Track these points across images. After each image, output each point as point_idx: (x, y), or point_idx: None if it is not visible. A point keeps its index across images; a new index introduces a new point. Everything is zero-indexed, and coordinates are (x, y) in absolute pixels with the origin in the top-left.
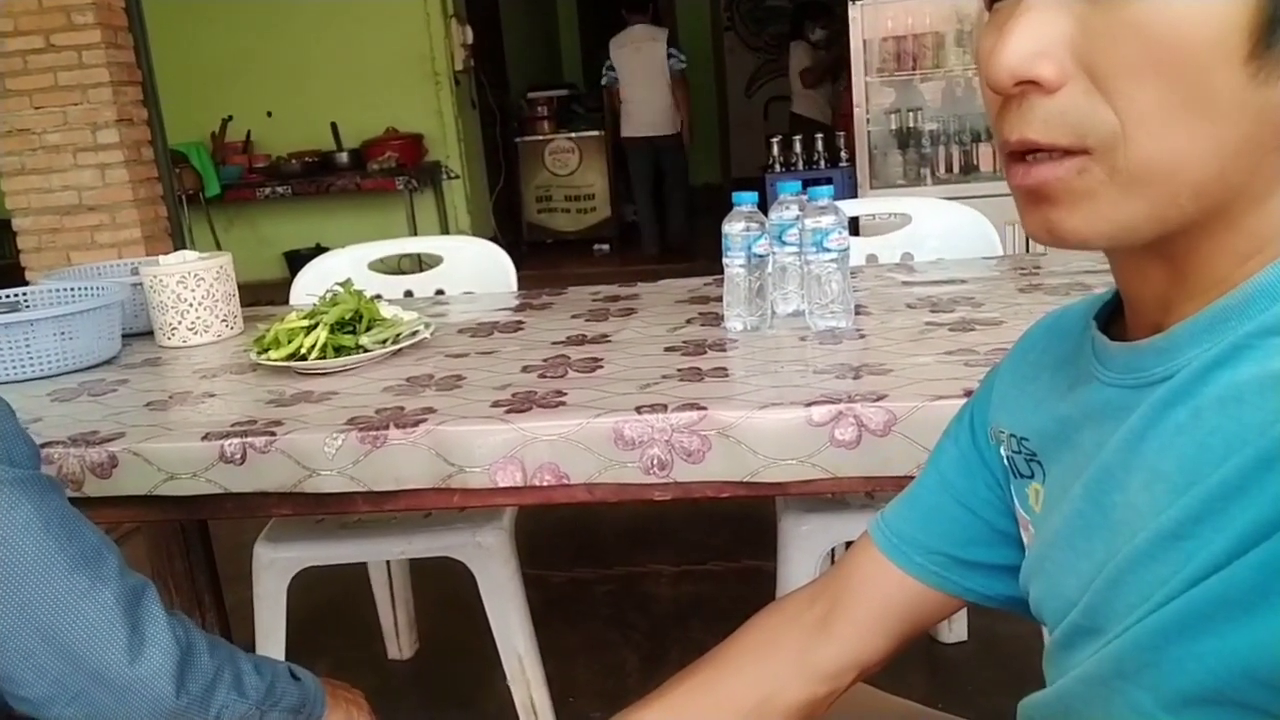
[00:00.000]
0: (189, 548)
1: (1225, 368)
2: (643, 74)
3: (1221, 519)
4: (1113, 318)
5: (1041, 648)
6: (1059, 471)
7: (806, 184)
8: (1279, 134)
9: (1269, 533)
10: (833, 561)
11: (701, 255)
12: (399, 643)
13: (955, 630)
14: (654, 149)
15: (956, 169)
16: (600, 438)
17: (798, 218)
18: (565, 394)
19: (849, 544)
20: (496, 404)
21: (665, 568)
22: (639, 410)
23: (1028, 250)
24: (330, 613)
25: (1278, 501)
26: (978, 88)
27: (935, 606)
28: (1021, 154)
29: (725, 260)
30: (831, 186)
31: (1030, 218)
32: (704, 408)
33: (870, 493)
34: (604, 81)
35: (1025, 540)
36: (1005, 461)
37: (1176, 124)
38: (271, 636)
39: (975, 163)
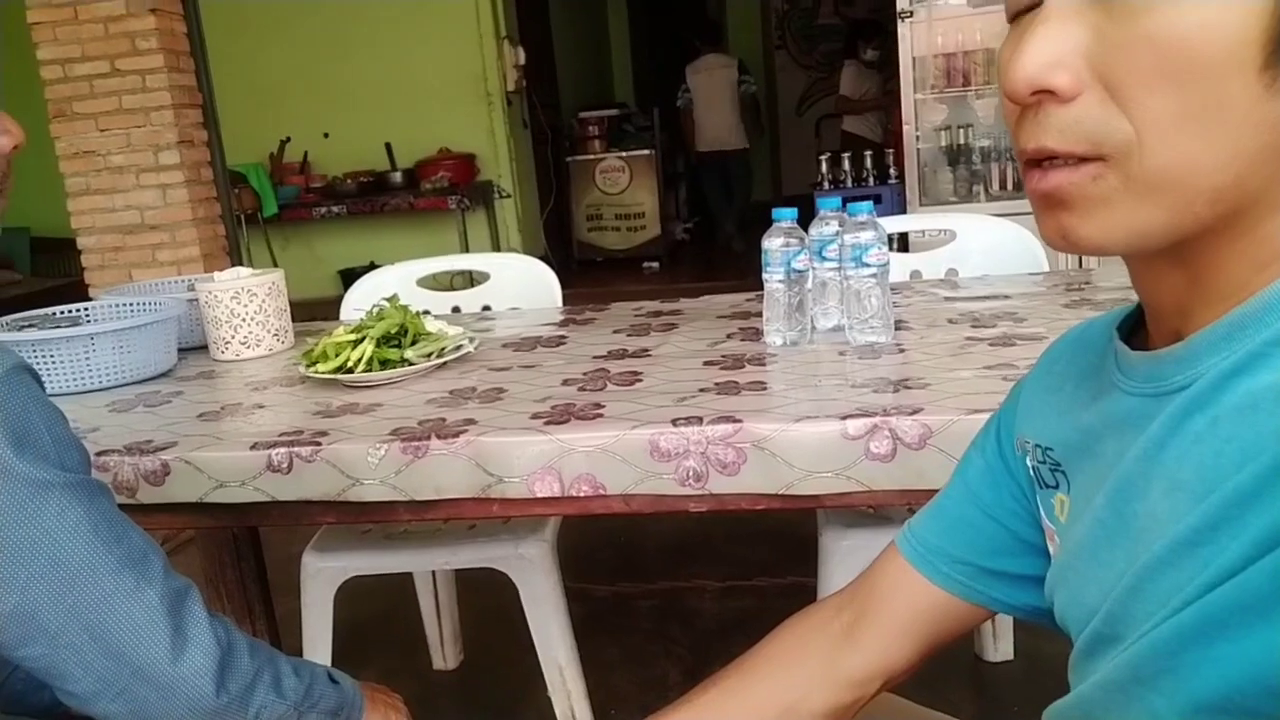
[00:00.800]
0: (240, 557)
1: (1243, 376)
2: (717, 97)
3: (1237, 526)
4: (1136, 328)
5: None
6: (1083, 481)
7: (851, 200)
8: None
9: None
10: None
11: (751, 273)
12: (444, 653)
13: (1001, 649)
14: (725, 161)
15: (1010, 185)
16: (636, 449)
17: (837, 233)
18: (603, 406)
19: None
20: (536, 415)
21: (709, 583)
22: (675, 423)
23: (1080, 265)
24: (377, 623)
25: None
26: None
27: (961, 616)
28: (1038, 161)
29: (765, 275)
30: (870, 202)
31: (1045, 222)
32: (739, 420)
33: (911, 507)
34: (679, 103)
35: (1051, 550)
36: (1031, 472)
37: (1191, 133)
38: (318, 645)
39: None
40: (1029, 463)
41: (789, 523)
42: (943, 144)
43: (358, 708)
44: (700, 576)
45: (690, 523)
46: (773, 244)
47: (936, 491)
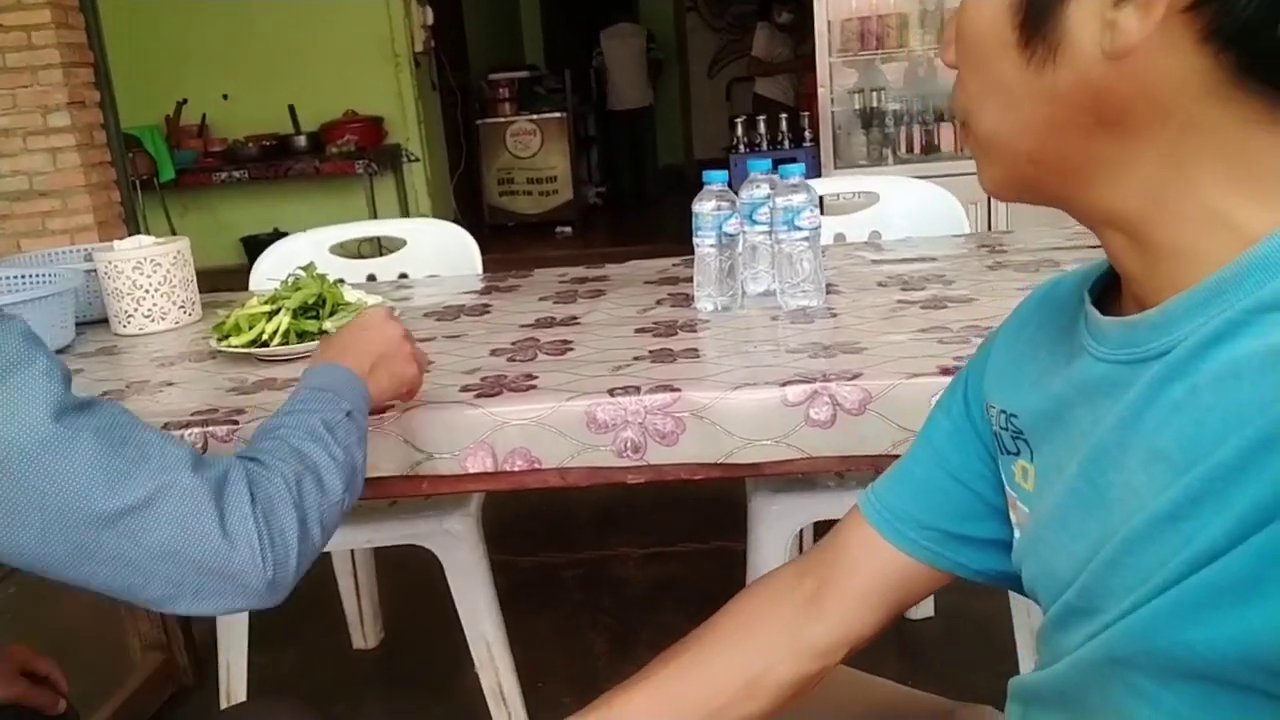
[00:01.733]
0: None
1: (1223, 343)
2: (628, 61)
3: (1220, 500)
4: (1107, 291)
5: (1009, 623)
6: (1052, 449)
7: (776, 163)
8: (1087, 112)
9: (1269, 517)
10: (801, 542)
11: (664, 237)
12: (364, 632)
13: (923, 607)
14: (634, 120)
15: (918, 149)
16: (573, 421)
17: (769, 196)
18: (536, 377)
19: (817, 525)
20: (466, 389)
21: (634, 550)
22: (612, 393)
23: (990, 229)
24: (292, 602)
25: (1277, 484)
26: (939, 68)
27: (926, 581)
28: None
29: (696, 240)
30: (802, 165)
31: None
32: (677, 389)
33: (840, 473)
34: (595, 65)
35: (1013, 518)
36: (995, 437)
37: (989, 107)
38: (233, 629)
39: (937, 142)
40: (994, 427)
41: (714, 488)
42: (856, 107)
43: (366, 404)
44: (625, 544)
45: (614, 490)
46: (704, 208)
47: (877, 457)
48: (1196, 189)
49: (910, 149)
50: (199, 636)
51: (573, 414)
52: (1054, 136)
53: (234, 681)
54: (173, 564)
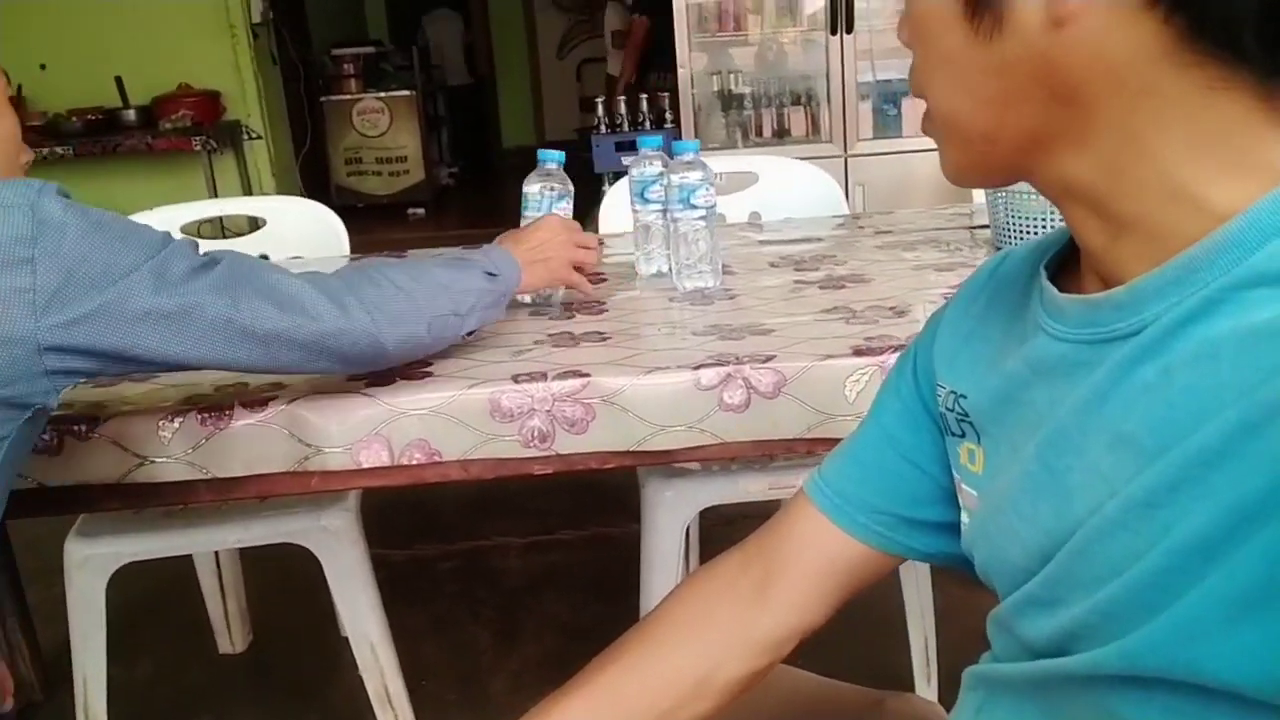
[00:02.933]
0: None
1: (1198, 323)
2: (449, 44)
3: (1201, 487)
4: (1064, 265)
5: (893, 598)
6: (1003, 431)
7: (627, 145)
8: (1039, 84)
9: (1260, 508)
10: (687, 530)
11: (513, 220)
12: (230, 635)
13: None
14: (465, 96)
15: (769, 132)
16: (475, 410)
17: (661, 174)
18: (430, 364)
19: (701, 511)
20: (355, 377)
21: (512, 540)
22: (516, 379)
23: (864, 210)
24: (150, 606)
25: (1265, 473)
26: (789, 52)
27: (878, 566)
28: None
29: (524, 218)
30: (697, 141)
31: None
32: (586, 374)
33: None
34: (420, 44)
35: (961, 501)
36: (941, 417)
37: (943, 82)
38: (89, 640)
39: (788, 126)
40: (940, 407)
41: (588, 473)
42: (714, 89)
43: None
44: (502, 533)
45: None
46: (531, 188)
47: (791, 441)
48: (1157, 159)
49: (761, 132)
50: (47, 647)
51: (474, 402)
52: (1008, 111)
53: (91, 695)
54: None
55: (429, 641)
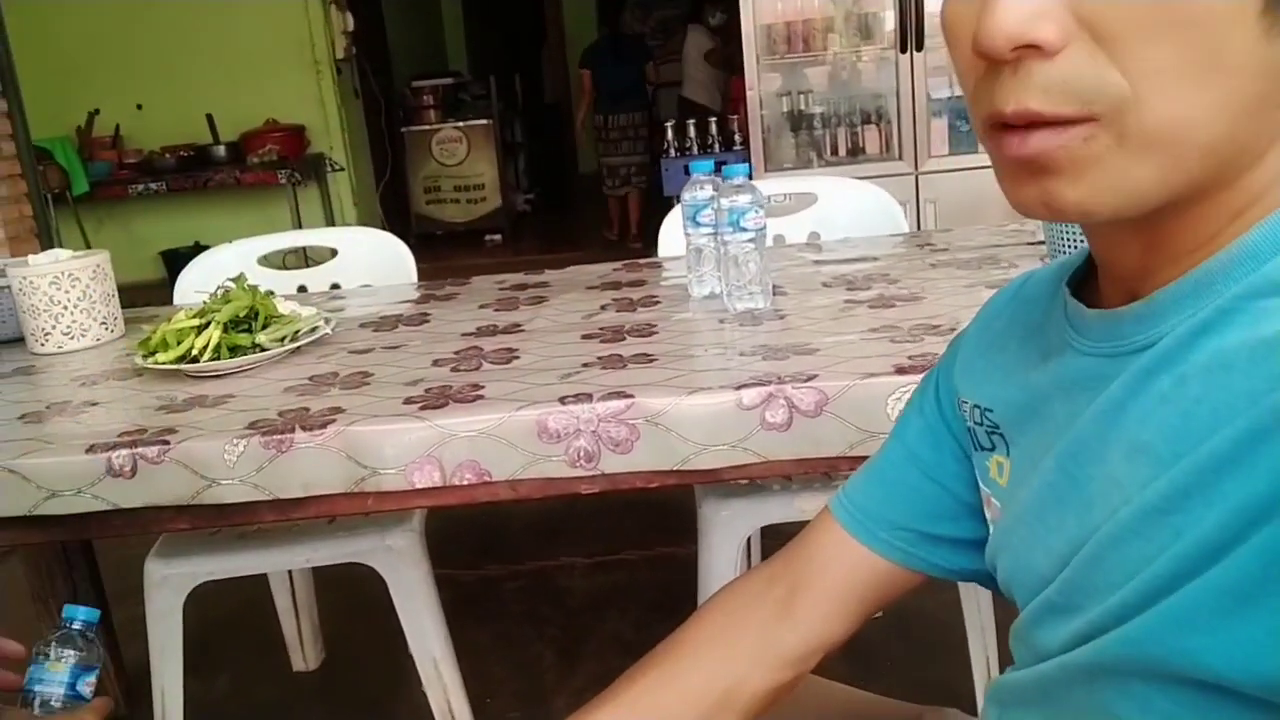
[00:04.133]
0: (71, 566)
1: (1212, 334)
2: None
3: (1212, 494)
4: (1084, 283)
5: (958, 618)
6: (1028, 443)
7: (718, 165)
8: None
9: (1265, 511)
10: (749, 547)
11: (590, 244)
12: (304, 653)
13: None
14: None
15: (843, 151)
16: (523, 431)
17: (712, 198)
18: (482, 387)
19: (764, 530)
20: (409, 401)
21: (578, 560)
22: (563, 401)
23: (918, 228)
24: (227, 625)
25: (1272, 477)
26: (862, 71)
27: (899, 583)
28: (1013, 123)
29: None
30: (747, 165)
31: (1024, 190)
32: (631, 396)
33: (789, 476)
34: None
35: (988, 515)
36: (969, 433)
37: (1189, 84)
38: (168, 656)
39: (862, 145)
40: (967, 424)
41: (656, 492)
42: (784, 110)
43: None
44: (568, 553)
45: (554, 499)
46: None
47: (834, 459)
48: None
49: (835, 151)
50: (130, 664)
51: (523, 424)
52: (1255, 117)
53: (169, 709)
54: None
55: (494, 659)
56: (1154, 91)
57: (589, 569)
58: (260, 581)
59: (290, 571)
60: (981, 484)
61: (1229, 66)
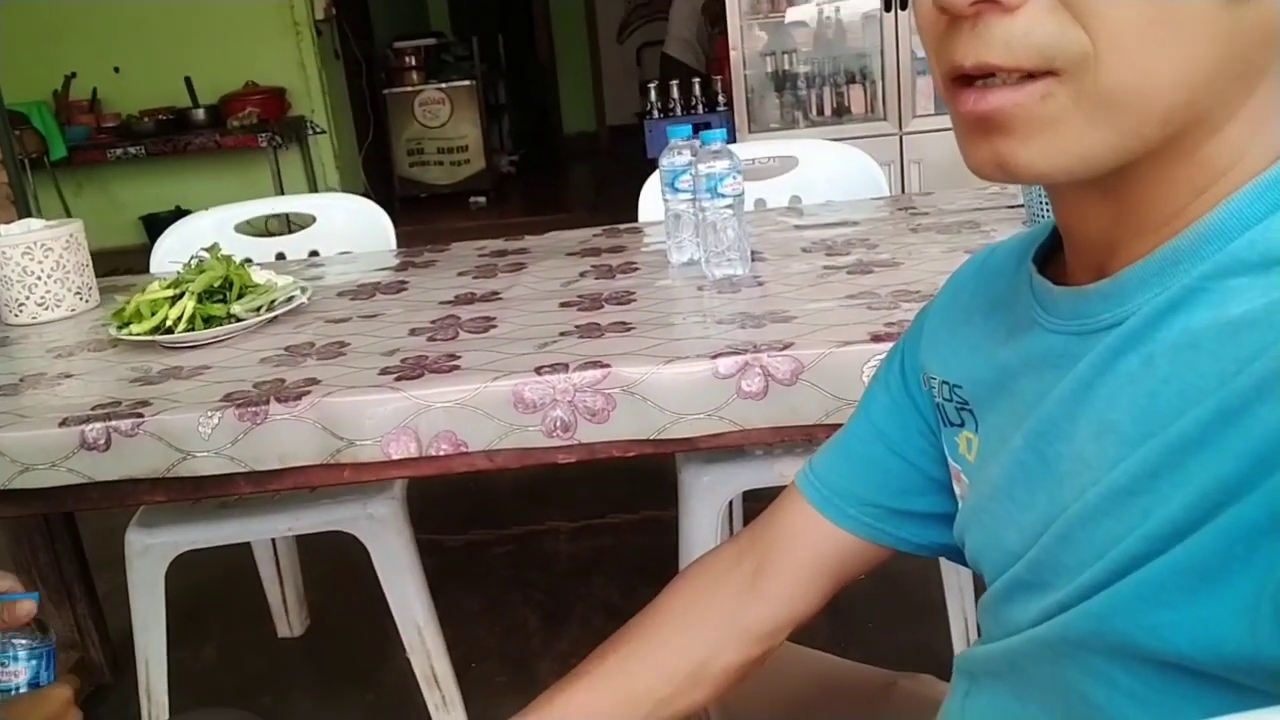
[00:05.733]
0: (53, 537)
1: (1179, 313)
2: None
3: (1179, 474)
4: (1050, 257)
5: (937, 580)
6: (996, 420)
7: (695, 129)
8: (1245, 58)
9: (1233, 492)
10: (731, 512)
11: (577, 206)
12: (289, 620)
13: None
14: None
15: (829, 111)
16: (499, 402)
17: (690, 163)
18: (459, 357)
19: (745, 494)
20: (385, 371)
21: (562, 524)
22: (539, 371)
23: (902, 190)
24: (212, 594)
25: (1240, 458)
26: (848, 29)
27: (868, 557)
28: (971, 78)
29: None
30: (723, 130)
31: (977, 149)
32: (607, 365)
33: (768, 443)
34: None
35: (958, 490)
36: (936, 409)
37: (1152, 45)
38: (151, 626)
39: (848, 104)
40: (935, 399)
41: (637, 458)
42: (768, 70)
43: None
44: (553, 518)
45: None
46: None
47: (810, 427)
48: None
49: (821, 111)
50: (115, 632)
51: (499, 394)
52: (1212, 82)
53: (153, 678)
54: None
55: (480, 624)
56: (1114, 52)
57: (574, 533)
58: (244, 549)
59: (274, 541)
60: (950, 459)
61: (1192, 30)
